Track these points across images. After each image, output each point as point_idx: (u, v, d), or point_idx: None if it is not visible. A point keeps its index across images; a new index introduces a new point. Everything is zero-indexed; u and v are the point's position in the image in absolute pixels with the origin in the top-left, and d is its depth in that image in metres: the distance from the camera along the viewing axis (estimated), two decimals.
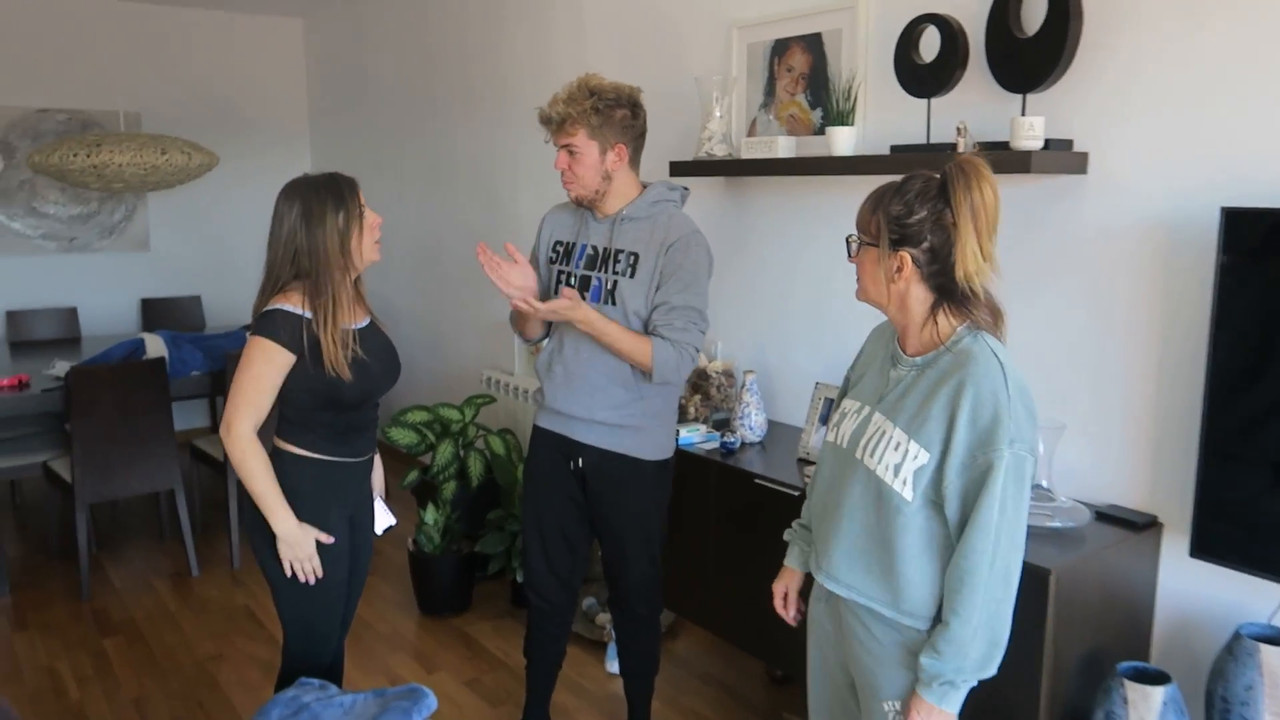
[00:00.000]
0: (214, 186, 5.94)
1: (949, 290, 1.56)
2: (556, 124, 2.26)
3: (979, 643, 1.51)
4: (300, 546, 2.08)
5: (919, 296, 1.58)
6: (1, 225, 5.41)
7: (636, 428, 2.35)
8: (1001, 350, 1.55)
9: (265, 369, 2.02)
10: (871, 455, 1.60)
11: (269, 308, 2.03)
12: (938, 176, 1.54)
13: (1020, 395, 1.51)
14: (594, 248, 2.34)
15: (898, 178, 1.59)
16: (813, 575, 1.81)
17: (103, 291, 5.74)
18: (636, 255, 2.28)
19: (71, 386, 3.58)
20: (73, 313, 5.44)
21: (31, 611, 3.63)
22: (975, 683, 1.55)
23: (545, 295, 2.41)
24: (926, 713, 1.54)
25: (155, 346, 4.05)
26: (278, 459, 2.12)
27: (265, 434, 2.11)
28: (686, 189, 2.40)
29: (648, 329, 2.28)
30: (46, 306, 5.48)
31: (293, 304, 2.03)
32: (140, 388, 3.73)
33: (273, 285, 2.07)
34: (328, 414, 2.10)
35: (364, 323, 2.19)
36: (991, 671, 1.54)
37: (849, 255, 1.65)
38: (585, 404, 2.34)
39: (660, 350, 2.21)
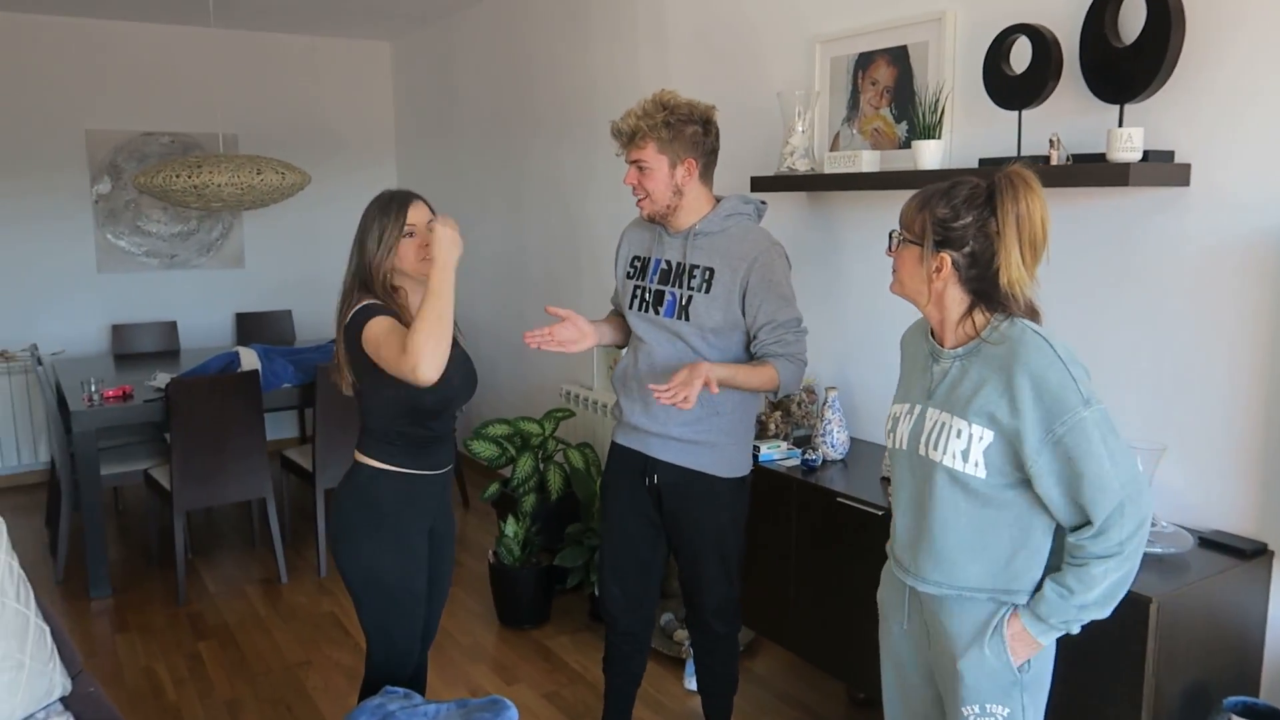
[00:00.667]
0: (305, 205, 6.14)
1: (985, 294, 1.61)
2: (627, 137, 2.26)
3: (1131, 548, 1.51)
4: (442, 236, 2.01)
5: (955, 297, 1.63)
6: (109, 243, 5.68)
7: (712, 444, 2.33)
8: (1039, 326, 1.58)
9: (387, 326, 2.02)
10: (936, 448, 1.63)
11: (358, 306, 2.08)
12: (985, 184, 1.58)
13: (1073, 359, 1.53)
14: (668, 262, 2.34)
15: (946, 183, 1.63)
16: (889, 591, 1.81)
17: (200, 306, 5.97)
18: (712, 270, 2.26)
19: (170, 397, 3.73)
20: (172, 326, 5.67)
21: (131, 614, 3.78)
22: (1086, 620, 1.57)
23: (626, 304, 2.44)
24: (1019, 631, 1.59)
25: (249, 360, 4.19)
26: (358, 473, 2.17)
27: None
28: (764, 203, 2.39)
29: (750, 347, 2.29)
30: (149, 320, 5.73)
31: (366, 299, 2.11)
32: (235, 399, 3.86)
33: (348, 293, 2.14)
34: (406, 423, 2.14)
35: None
36: (1106, 612, 1.56)
37: (889, 249, 1.70)
38: (660, 419, 2.33)
39: (784, 371, 2.23)
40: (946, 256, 1.59)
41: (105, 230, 5.66)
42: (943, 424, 1.62)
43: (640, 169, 2.26)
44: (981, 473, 1.57)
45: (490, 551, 3.66)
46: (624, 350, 2.53)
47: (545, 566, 3.59)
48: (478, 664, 3.36)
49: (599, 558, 2.52)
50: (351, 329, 2.07)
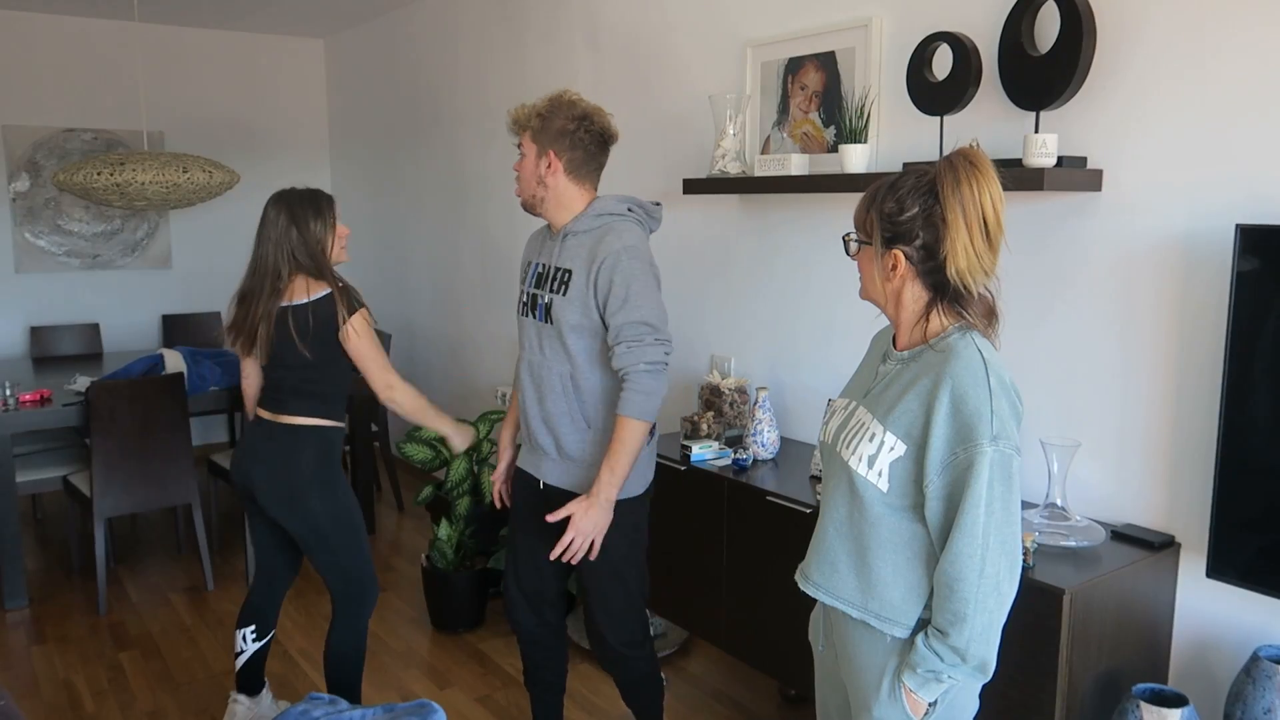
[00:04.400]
0: (235, 205, 6.01)
1: (944, 288, 1.52)
2: (510, 123, 2.31)
3: (974, 654, 1.46)
4: (468, 435, 2.74)
5: (914, 294, 1.55)
6: (27, 243, 5.50)
7: (588, 463, 2.26)
8: (988, 348, 1.51)
9: (372, 335, 2.54)
10: (848, 448, 1.57)
11: (321, 294, 2.49)
12: (930, 171, 1.50)
13: (1003, 391, 1.46)
14: (543, 265, 2.32)
15: (892, 176, 1.56)
16: (816, 612, 1.79)
17: (125, 308, 5.81)
18: (570, 272, 2.22)
19: (91, 401, 3.62)
20: (95, 329, 5.50)
21: (49, 625, 3.66)
22: (959, 681, 1.52)
23: (518, 310, 2.45)
24: (905, 694, 1.52)
25: (174, 362, 4.09)
26: (311, 433, 2.55)
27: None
28: (657, 204, 2.34)
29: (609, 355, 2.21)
30: (69, 323, 5.55)
31: (323, 288, 2.50)
32: (159, 403, 3.77)
33: (274, 279, 2.51)
34: (345, 383, 2.61)
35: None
36: (985, 678, 1.51)
37: (847, 252, 1.63)
38: (536, 434, 2.32)
39: (628, 406, 2.14)
40: (899, 253, 1.51)
41: (24, 229, 5.48)
42: (862, 424, 1.56)
43: (521, 154, 2.29)
44: (884, 485, 1.51)
45: (423, 555, 3.62)
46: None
47: (479, 570, 3.56)
48: (410, 669, 3.32)
49: (504, 566, 2.51)
50: (330, 311, 2.48)
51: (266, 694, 2.86)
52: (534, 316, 2.32)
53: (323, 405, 2.57)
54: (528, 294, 2.36)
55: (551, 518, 2.17)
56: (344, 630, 2.64)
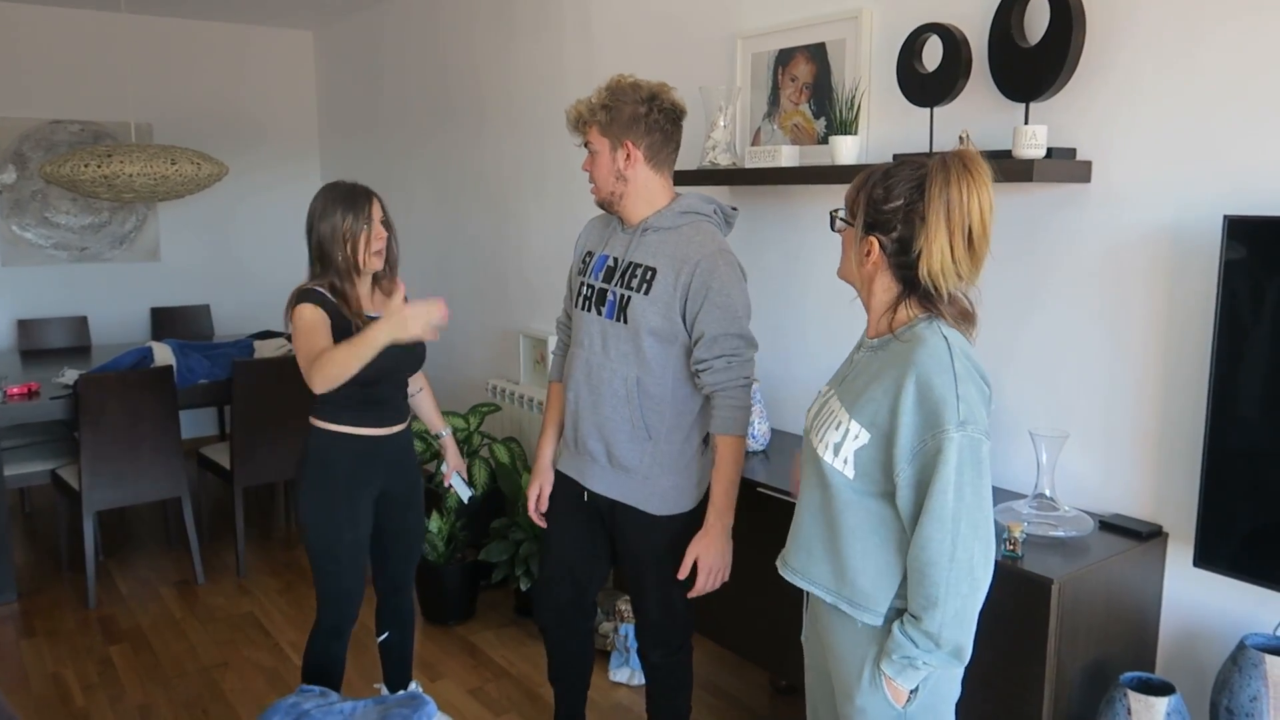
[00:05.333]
0: (224, 197, 5.98)
1: (913, 284, 1.52)
2: (573, 123, 2.18)
3: (947, 639, 1.46)
4: (409, 318, 2.16)
5: (884, 284, 1.55)
6: (14, 235, 5.46)
7: (644, 475, 2.18)
8: (954, 335, 1.50)
9: (313, 321, 2.27)
10: (818, 435, 1.59)
11: (298, 287, 2.36)
12: (927, 165, 1.50)
13: (969, 377, 1.46)
14: (613, 259, 2.19)
15: (896, 161, 1.56)
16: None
17: (113, 301, 5.78)
18: (654, 270, 2.10)
19: (80, 394, 3.61)
20: (83, 322, 5.48)
21: (38, 618, 3.64)
22: (935, 668, 1.52)
23: (574, 303, 2.33)
24: (885, 682, 1.54)
25: (163, 355, 4.07)
26: (311, 435, 2.42)
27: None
28: (734, 209, 2.27)
29: (691, 365, 2.14)
30: (57, 316, 5.52)
31: (317, 285, 2.37)
32: (147, 396, 3.75)
33: (310, 275, 2.41)
34: (347, 388, 2.30)
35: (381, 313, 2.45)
36: (961, 664, 1.51)
37: (831, 227, 1.64)
38: (590, 433, 2.22)
39: (734, 422, 2.08)
40: (875, 240, 1.51)
41: (10, 222, 5.44)
42: (832, 412, 1.58)
43: (591, 151, 2.16)
44: (849, 472, 1.52)
45: None
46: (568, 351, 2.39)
47: (470, 562, 3.56)
48: None
49: (539, 571, 2.46)
50: (291, 303, 2.33)
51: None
52: (600, 313, 2.18)
53: (317, 403, 2.43)
54: (592, 287, 2.23)
55: (682, 573, 2.13)
56: (310, 640, 2.54)
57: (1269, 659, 1.87)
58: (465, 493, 2.72)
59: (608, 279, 2.19)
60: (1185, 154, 2.10)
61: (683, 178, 3.07)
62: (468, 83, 4.67)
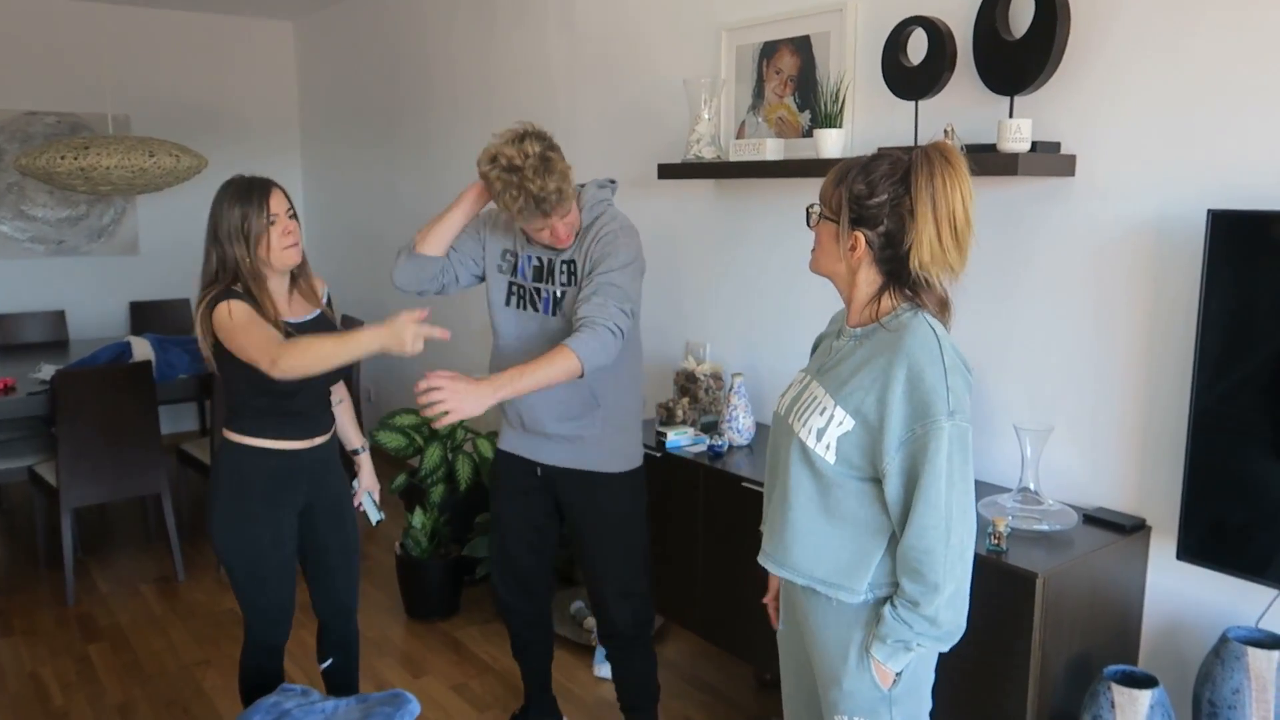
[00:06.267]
0: (203, 190, 5.86)
1: (899, 275, 1.55)
2: (556, 204, 2.10)
3: (945, 620, 1.50)
4: (399, 329, 1.99)
5: (868, 277, 1.57)
6: None
7: (596, 439, 2.32)
8: (939, 325, 1.54)
9: (249, 312, 2.07)
10: (799, 420, 1.60)
11: (208, 294, 2.12)
12: (905, 160, 1.51)
13: (956, 368, 1.50)
14: (539, 259, 2.29)
15: (867, 156, 1.56)
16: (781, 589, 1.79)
17: (91, 295, 5.71)
18: (575, 261, 2.24)
19: (57, 389, 3.56)
20: (60, 316, 5.41)
21: (16, 617, 3.60)
22: (926, 649, 1.56)
23: (499, 299, 2.35)
24: (874, 665, 1.56)
25: (142, 350, 4.02)
26: (224, 449, 2.22)
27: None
28: (614, 181, 2.36)
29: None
30: (34, 310, 5.45)
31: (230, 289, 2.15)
32: (126, 391, 3.70)
33: (211, 282, 2.15)
34: (264, 399, 2.17)
35: (309, 316, 2.27)
36: (954, 642, 1.54)
37: (807, 223, 1.64)
38: (539, 418, 2.31)
39: (580, 344, 2.05)
40: (861, 235, 1.52)
41: None
42: (815, 398, 1.59)
43: (563, 216, 2.16)
44: (830, 457, 1.54)
45: (397, 543, 3.60)
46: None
47: (454, 558, 3.54)
48: (385, 657, 3.30)
49: (490, 552, 2.53)
50: (200, 311, 2.12)
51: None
52: (537, 309, 2.29)
53: (232, 415, 2.24)
54: (523, 287, 2.31)
55: (428, 384, 1.94)
56: (248, 655, 2.40)
57: (1251, 651, 1.88)
58: (374, 516, 2.57)
59: (538, 278, 2.29)
60: (1169, 148, 2.10)
61: (667, 171, 3.06)
62: (449, 74, 4.63)
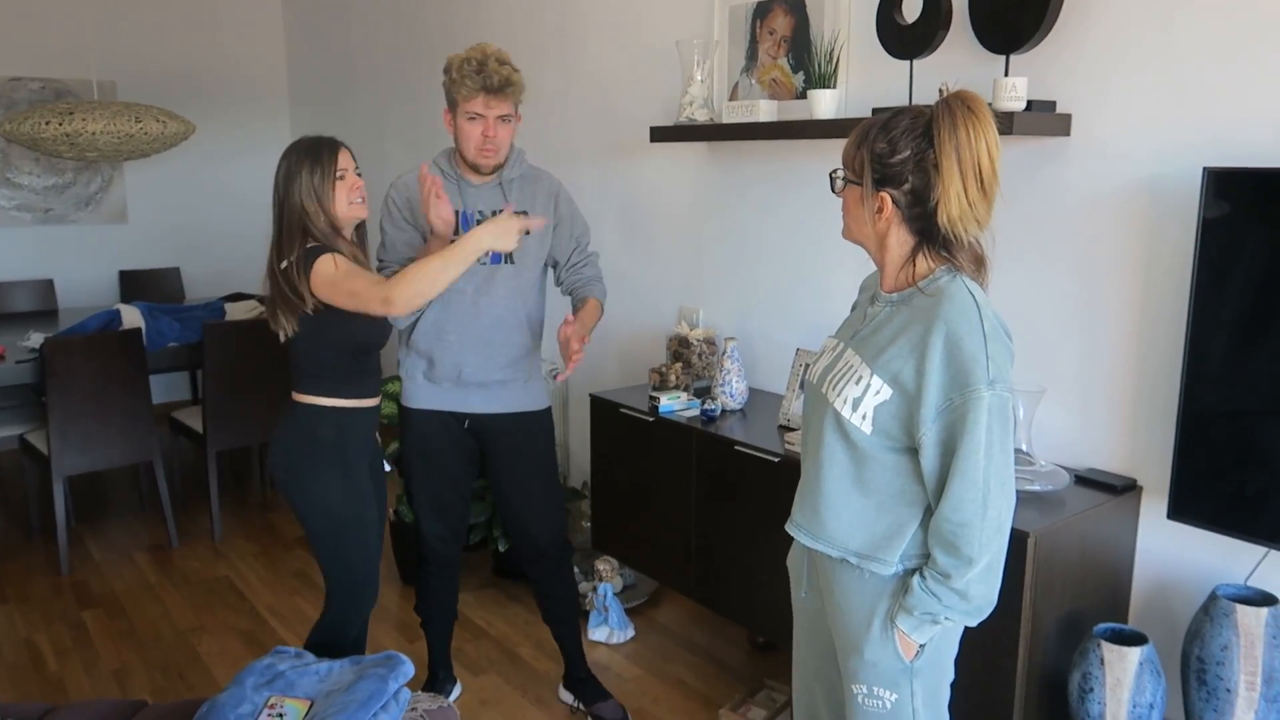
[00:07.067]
0: (193, 157, 5.85)
1: (930, 234, 1.50)
2: (500, 89, 2.31)
3: (975, 594, 1.48)
4: (507, 228, 2.12)
5: (899, 238, 1.52)
6: None
7: (525, 380, 2.53)
8: (978, 291, 1.49)
9: (346, 264, 2.11)
10: (834, 389, 1.56)
11: (302, 250, 2.11)
12: (926, 114, 1.46)
13: (996, 335, 1.45)
14: (481, 212, 2.43)
15: (887, 113, 1.51)
16: (794, 556, 1.77)
17: (80, 263, 5.66)
18: (526, 213, 2.36)
19: (46, 358, 3.54)
20: (49, 285, 5.37)
21: (10, 585, 3.60)
22: (957, 622, 1.53)
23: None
24: (898, 636, 1.54)
25: (131, 318, 3.99)
26: (301, 412, 2.23)
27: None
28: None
29: (559, 272, 2.58)
30: (22, 279, 5.40)
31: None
32: (116, 359, 3.68)
33: (283, 240, 2.15)
34: (347, 359, 2.23)
35: None
36: (983, 616, 1.52)
37: (833, 189, 1.59)
38: (484, 367, 2.46)
39: (602, 296, 2.57)
40: (886, 195, 1.47)
41: None
42: (850, 367, 1.55)
43: (506, 121, 2.37)
44: (866, 428, 1.50)
45: (391, 510, 3.60)
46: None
47: None
48: (381, 623, 3.31)
49: (416, 501, 2.61)
50: (295, 271, 2.10)
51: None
52: (483, 261, 2.39)
53: (306, 379, 2.23)
54: None
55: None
56: (328, 629, 2.36)
57: (1240, 609, 1.89)
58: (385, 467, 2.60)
59: None
60: (1165, 106, 2.08)
61: (660, 134, 3.03)
62: (439, 38, 4.57)
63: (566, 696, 2.82)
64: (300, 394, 2.24)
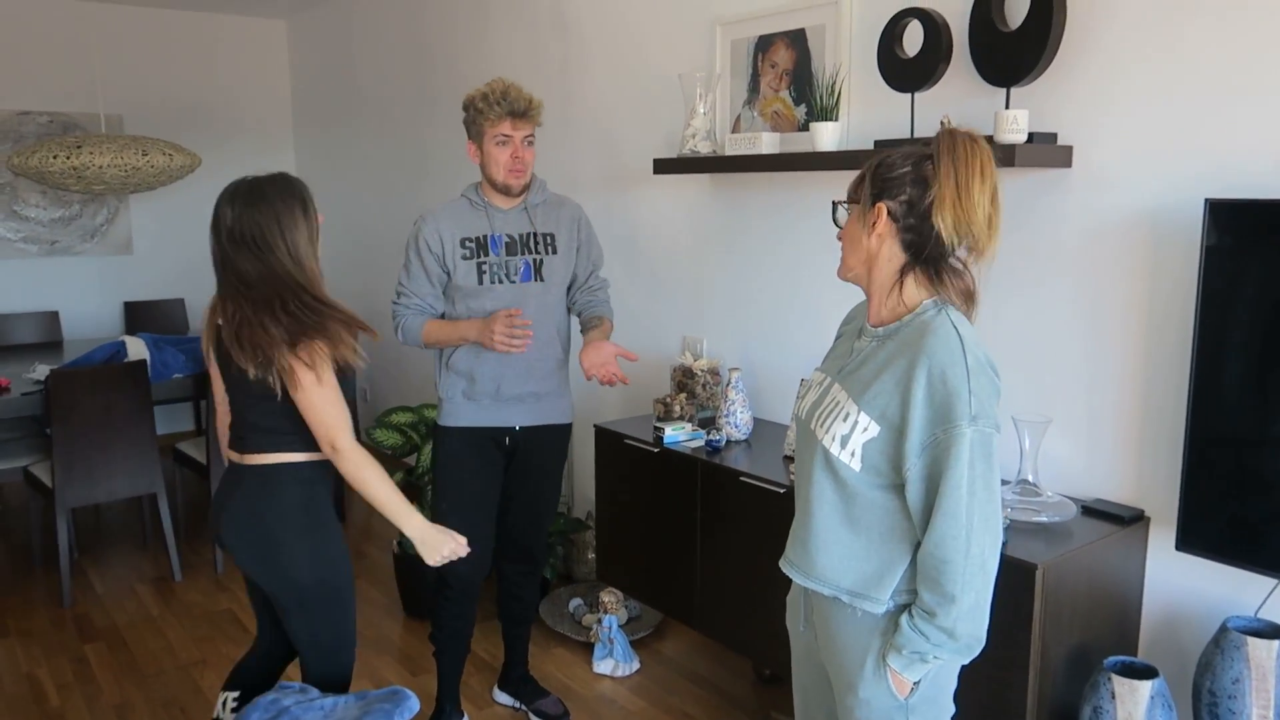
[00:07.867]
0: (197, 189, 5.88)
1: (920, 249, 1.50)
2: (523, 111, 2.46)
3: (962, 633, 1.46)
4: (441, 543, 2.05)
5: (889, 254, 1.53)
6: None
7: (559, 393, 2.66)
8: (963, 323, 1.50)
9: (334, 394, 1.96)
10: (822, 426, 1.56)
11: (312, 341, 1.95)
12: (932, 141, 1.51)
13: (980, 370, 1.45)
14: (510, 236, 2.56)
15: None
16: (791, 593, 1.76)
17: (85, 295, 5.69)
18: (553, 235, 2.59)
19: (51, 390, 3.54)
20: (54, 316, 5.39)
21: (11, 618, 3.58)
22: (946, 660, 1.52)
23: (471, 284, 2.55)
24: (890, 674, 1.53)
25: (137, 349, 4.01)
26: (275, 473, 2.01)
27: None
28: None
29: (573, 291, 2.69)
30: (28, 311, 5.43)
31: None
32: (121, 391, 3.69)
33: (275, 303, 1.99)
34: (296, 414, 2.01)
35: None
36: (973, 656, 1.51)
37: (834, 218, 1.62)
38: (523, 379, 2.56)
39: (609, 311, 2.72)
40: (883, 205, 1.50)
41: None
42: (838, 403, 1.55)
43: (530, 144, 2.51)
44: (856, 465, 1.50)
45: (394, 542, 3.59)
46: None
47: None
48: (382, 655, 3.29)
49: (449, 524, 2.46)
50: (306, 335, 1.94)
51: None
52: (515, 280, 2.54)
53: (272, 437, 2.03)
54: (495, 264, 2.54)
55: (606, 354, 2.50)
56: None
57: (1251, 641, 1.87)
58: None
59: (511, 252, 2.56)
60: (1166, 138, 2.10)
61: (663, 165, 3.05)
62: (442, 71, 4.62)
63: (503, 698, 2.95)
64: (252, 454, 2.01)
